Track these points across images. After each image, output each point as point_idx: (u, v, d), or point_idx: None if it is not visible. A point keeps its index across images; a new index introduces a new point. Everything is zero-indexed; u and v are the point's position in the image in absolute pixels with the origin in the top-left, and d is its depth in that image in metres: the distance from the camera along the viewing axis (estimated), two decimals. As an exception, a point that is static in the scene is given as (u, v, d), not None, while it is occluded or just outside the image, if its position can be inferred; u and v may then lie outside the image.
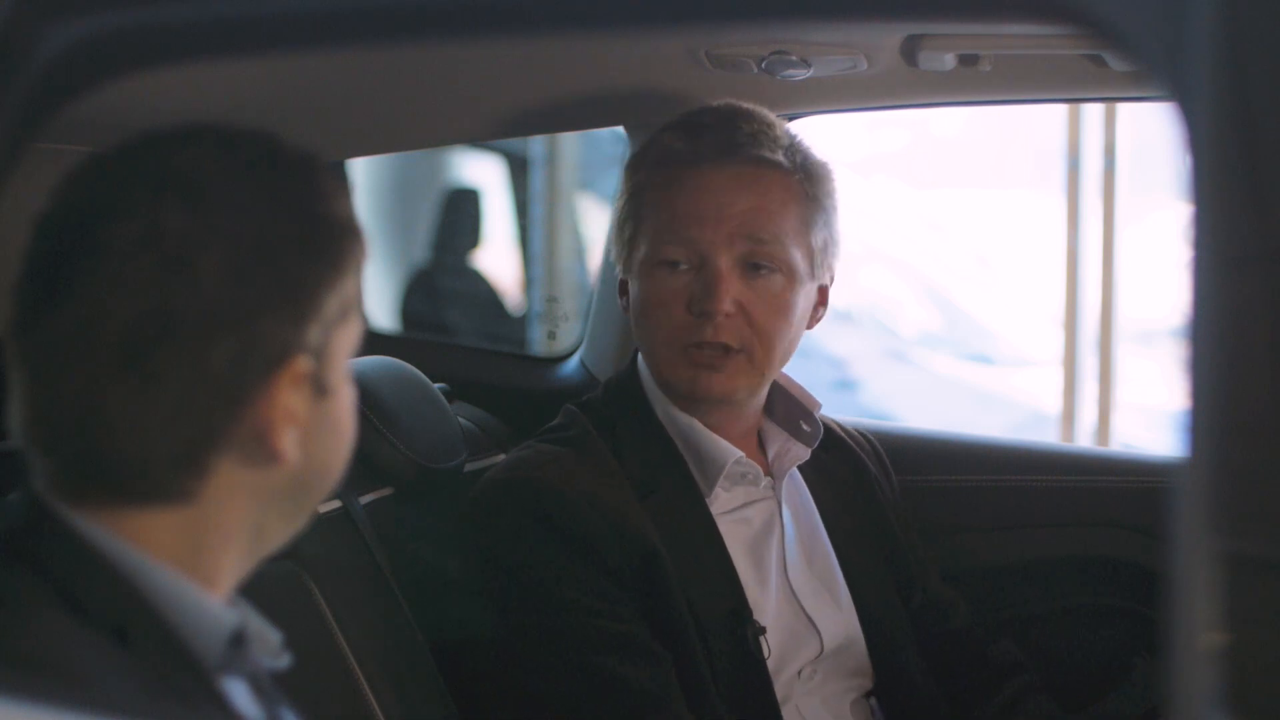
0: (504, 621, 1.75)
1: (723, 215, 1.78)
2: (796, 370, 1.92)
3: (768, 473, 1.90)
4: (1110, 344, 5.81)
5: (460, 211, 6.41)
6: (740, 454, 1.84)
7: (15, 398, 1.04)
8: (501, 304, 6.53)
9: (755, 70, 1.93)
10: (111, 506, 1.04)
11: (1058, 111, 6.20)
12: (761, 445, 1.93)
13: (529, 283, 6.50)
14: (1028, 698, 1.96)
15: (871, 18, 1.53)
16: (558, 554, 1.72)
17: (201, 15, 1.18)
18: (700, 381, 1.81)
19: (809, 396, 1.93)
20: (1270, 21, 0.92)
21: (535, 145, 6.11)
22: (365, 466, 1.86)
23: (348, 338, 1.10)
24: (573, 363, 2.41)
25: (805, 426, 1.92)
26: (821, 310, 1.90)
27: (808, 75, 1.94)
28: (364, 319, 1.13)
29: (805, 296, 1.84)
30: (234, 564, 1.09)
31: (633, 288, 1.86)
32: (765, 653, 1.77)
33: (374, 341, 1.98)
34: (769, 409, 1.93)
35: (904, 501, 2.08)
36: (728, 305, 1.77)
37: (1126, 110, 5.67)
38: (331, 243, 1.07)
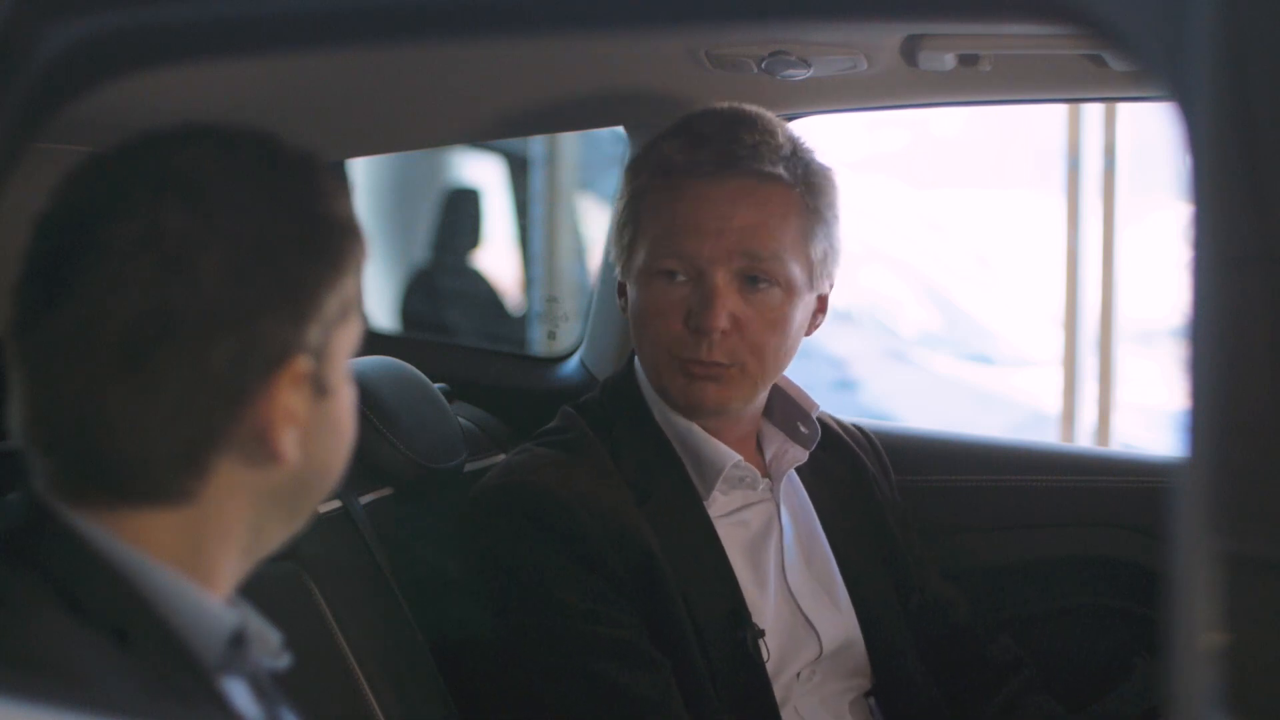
0: (503, 626, 1.74)
1: (721, 230, 1.77)
2: (796, 370, 1.92)
3: (765, 474, 1.90)
4: (1110, 344, 5.81)
5: (460, 211, 6.40)
6: (738, 458, 1.84)
7: (15, 398, 1.04)
8: (501, 304, 6.53)
9: (755, 70, 1.93)
10: (111, 506, 1.04)
11: (1058, 111, 6.19)
12: (759, 446, 1.93)
13: (529, 283, 6.50)
14: (1027, 696, 1.97)
15: (871, 18, 1.53)
16: (556, 559, 1.72)
17: (201, 15, 1.18)
18: (695, 393, 1.81)
19: (807, 398, 1.93)
20: (1270, 21, 0.92)
21: (535, 145, 6.11)
22: (365, 466, 1.86)
23: (348, 338, 1.10)
24: (573, 363, 2.41)
25: (803, 429, 1.92)
26: (820, 317, 1.89)
27: (808, 75, 1.94)
28: (364, 319, 1.13)
29: (803, 308, 1.83)
30: (234, 564, 1.09)
31: (631, 293, 1.86)
32: (764, 655, 1.77)
33: (374, 341, 1.98)
34: (767, 410, 1.93)
35: (903, 500, 2.08)
36: (724, 322, 1.77)
37: (1126, 110, 5.67)
38: (331, 243, 1.07)
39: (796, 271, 1.80)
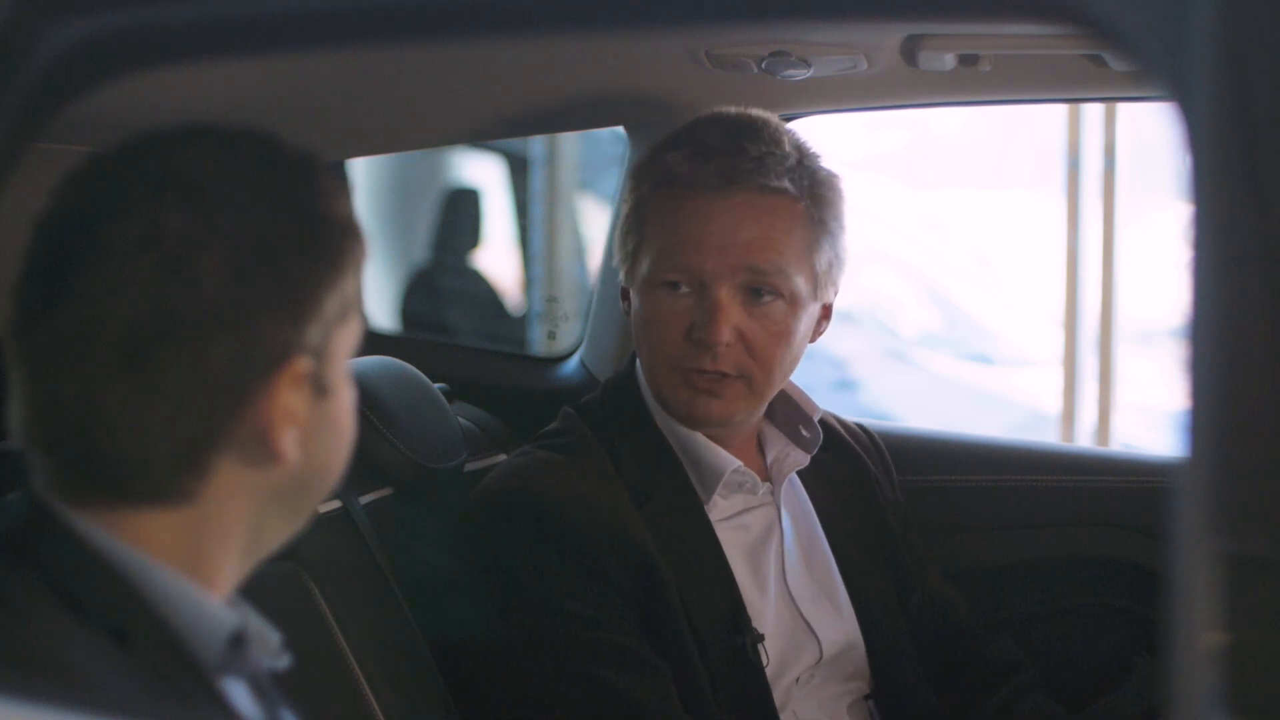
0: (502, 630, 1.74)
1: (725, 245, 1.77)
2: (797, 370, 1.91)
3: (766, 477, 1.90)
4: (1110, 344, 5.80)
5: (460, 211, 6.40)
6: (738, 463, 1.84)
7: (15, 398, 1.04)
8: (501, 304, 6.53)
9: (755, 70, 1.93)
10: (111, 507, 1.04)
11: (1058, 111, 6.19)
12: (760, 448, 1.93)
13: (529, 283, 6.50)
14: (1027, 696, 1.96)
15: (871, 18, 1.53)
16: (555, 565, 1.72)
17: (201, 15, 1.18)
18: (698, 406, 1.80)
19: (809, 402, 1.92)
20: (1270, 21, 0.92)
21: (535, 145, 6.11)
22: (365, 466, 1.86)
23: (348, 337, 1.10)
24: (573, 363, 2.41)
25: (805, 432, 1.92)
26: (825, 324, 1.89)
27: (808, 75, 1.94)
28: (364, 319, 1.13)
29: (807, 318, 1.83)
30: (234, 564, 1.09)
31: (634, 300, 1.85)
32: (764, 660, 1.77)
33: (374, 341, 1.98)
34: (769, 413, 1.93)
35: (904, 500, 2.07)
36: (727, 336, 1.76)
37: (1126, 110, 5.67)
38: (331, 242, 1.07)
39: (800, 283, 1.79)
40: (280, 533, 1.11)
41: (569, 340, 2.49)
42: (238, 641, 1.07)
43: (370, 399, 1.86)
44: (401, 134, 2.36)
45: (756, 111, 1.85)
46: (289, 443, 1.05)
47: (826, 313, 1.88)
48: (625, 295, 1.89)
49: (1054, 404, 6.36)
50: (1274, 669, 0.91)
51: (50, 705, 0.98)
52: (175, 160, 1.03)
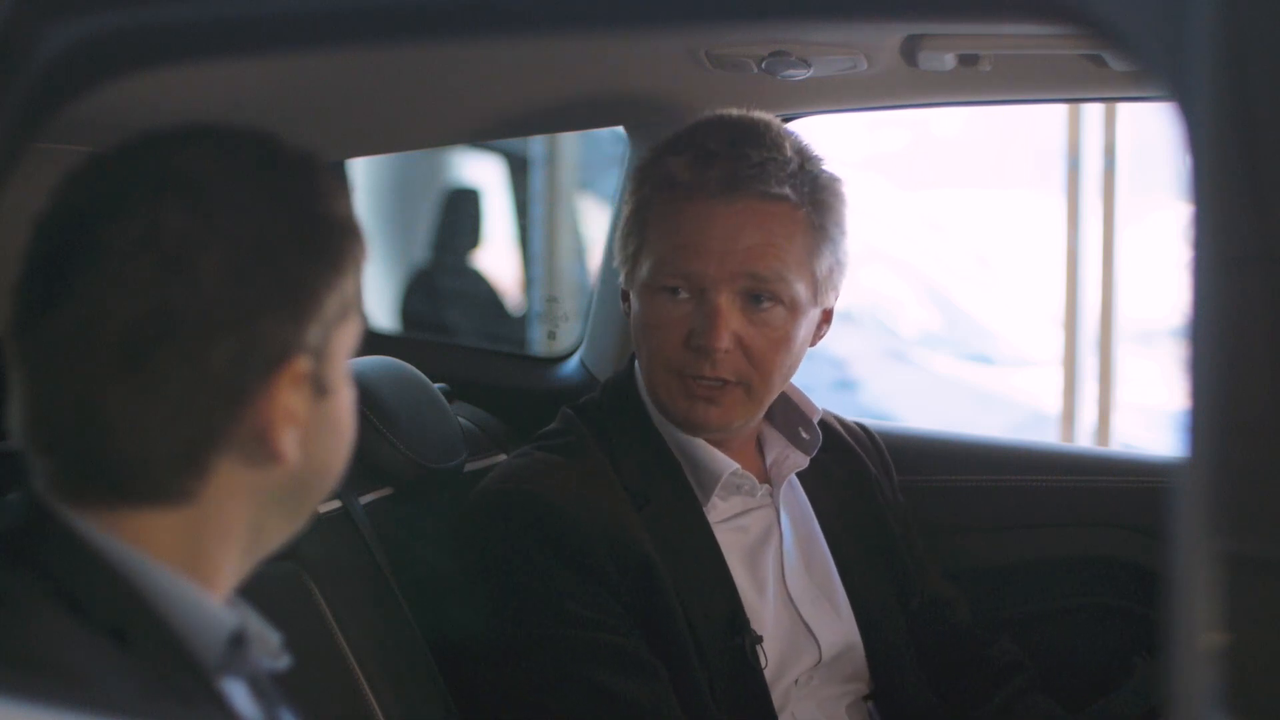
0: (501, 631, 1.74)
1: (726, 251, 1.76)
2: (796, 372, 1.91)
3: (765, 479, 1.90)
4: (1110, 344, 5.80)
5: (460, 211, 6.40)
6: (736, 466, 1.84)
7: (15, 398, 1.04)
8: (501, 304, 6.53)
9: (755, 70, 1.93)
10: (111, 507, 1.04)
11: (1058, 111, 6.19)
12: (760, 450, 1.93)
13: (529, 283, 6.50)
14: (1027, 697, 1.96)
15: (871, 18, 1.53)
16: (553, 567, 1.72)
17: (201, 15, 1.18)
18: (697, 413, 1.80)
19: (809, 403, 1.92)
20: (1270, 21, 0.92)
21: (535, 145, 6.11)
22: (365, 466, 1.86)
23: (347, 337, 1.10)
24: (573, 363, 2.41)
25: (804, 434, 1.91)
26: (825, 328, 1.88)
27: (808, 75, 1.94)
28: (364, 318, 1.13)
29: (807, 324, 1.82)
30: (234, 564, 1.09)
31: (634, 303, 1.85)
32: (762, 662, 1.77)
33: (374, 341, 1.98)
34: (768, 414, 1.93)
35: (904, 500, 2.07)
36: (726, 342, 1.76)
37: (1126, 110, 5.67)
38: (331, 242, 1.07)
39: (801, 290, 1.79)
40: (280, 532, 1.11)
41: (569, 340, 2.49)
42: (237, 642, 1.07)
43: (370, 399, 1.86)
44: (401, 134, 2.36)
45: (758, 115, 1.85)
46: (289, 443, 1.05)
47: (827, 317, 1.88)
48: (625, 297, 1.89)
49: (1054, 404, 6.36)
50: (1274, 669, 0.91)
51: (50, 705, 0.98)
52: (175, 160, 1.04)
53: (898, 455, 2.12)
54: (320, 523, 1.68)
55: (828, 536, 1.92)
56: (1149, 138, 6.04)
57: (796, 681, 1.81)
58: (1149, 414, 6.85)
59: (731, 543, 1.83)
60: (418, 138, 2.59)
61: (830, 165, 1.85)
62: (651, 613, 1.74)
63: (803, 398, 1.92)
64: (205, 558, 1.06)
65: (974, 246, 10.96)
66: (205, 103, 1.54)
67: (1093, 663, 2.15)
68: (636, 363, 1.88)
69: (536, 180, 6.09)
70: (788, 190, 1.78)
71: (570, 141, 5.94)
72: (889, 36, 1.83)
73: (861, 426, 2.10)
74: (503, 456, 2.11)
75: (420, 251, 6.69)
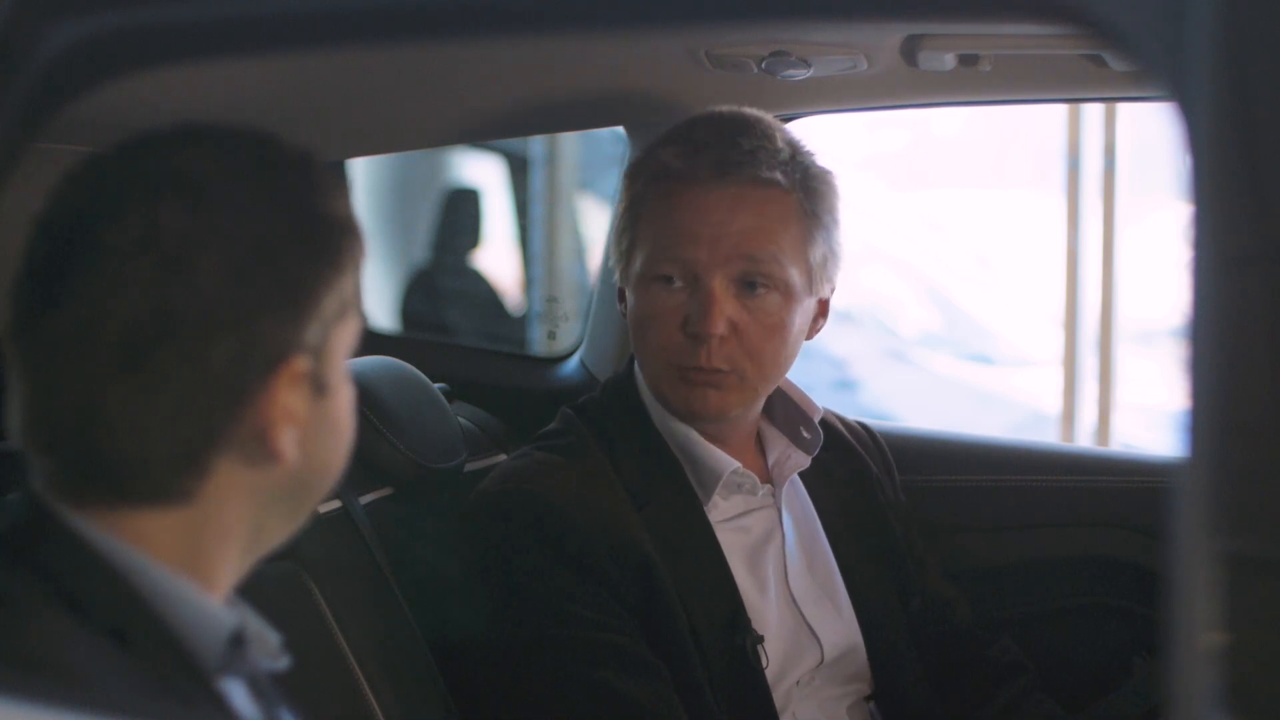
0: (501, 632, 1.74)
1: (719, 235, 1.77)
2: (796, 371, 1.91)
3: (766, 478, 1.90)
4: (1110, 344, 5.81)
5: (460, 211, 6.41)
6: (737, 465, 1.84)
7: (15, 398, 1.04)
8: (501, 304, 6.53)
9: (755, 70, 1.93)
10: (111, 507, 1.04)
11: (1058, 111, 6.19)
12: (761, 448, 1.93)
13: (529, 283, 6.50)
14: (1028, 698, 1.96)
15: (871, 18, 1.53)
16: (554, 567, 1.72)
17: (201, 15, 1.18)
18: (695, 401, 1.80)
19: (810, 403, 1.92)
20: (1270, 21, 0.92)
21: (535, 145, 6.11)
22: (365, 466, 1.86)
23: (346, 337, 1.10)
24: (573, 363, 2.41)
25: (805, 433, 1.91)
26: (821, 321, 1.88)
27: (808, 75, 1.94)
28: (363, 317, 1.13)
29: (803, 312, 1.82)
30: (233, 564, 1.09)
31: (629, 299, 1.85)
32: (764, 662, 1.77)
33: (374, 341, 1.98)
34: (770, 413, 1.93)
35: (907, 503, 2.07)
36: (721, 328, 1.76)
37: (1126, 110, 5.67)
38: (330, 242, 1.07)
39: (795, 276, 1.79)
40: (280, 532, 1.11)
41: (569, 340, 2.49)
42: (237, 642, 1.07)
43: (370, 399, 1.86)
44: (401, 134, 2.36)
45: (749, 110, 1.86)
46: (288, 442, 1.05)
47: (823, 309, 1.88)
48: (622, 297, 1.89)
49: (1054, 404, 6.37)
50: (1274, 669, 0.91)
51: (50, 705, 0.98)
52: (174, 160, 1.04)
53: (898, 455, 2.12)
54: (320, 523, 1.68)
55: (829, 536, 1.92)
56: (1149, 138, 6.04)
57: (798, 682, 1.81)
58: (1149, 414, 6.85)
59: (733, 543, 1.83)
60: (418, 138, 2.59)
61: (821, 160, 1.86)
62: (652, 613, 1.74)
63: (803, 397, 1.92)
64: (205, 557, 1.06)
65: (974, 246, 10.96)
66: (205, 103, 1.54)
67: (1093, 663, 2.15)
68: (636, 363, 1.88)
69: (536, 180, 6.10)
70: (779, 176, 1.79)
71: (570, 141, 5.94)
72: (889, 36, 1.83)
73: (863, 425, 2.10)
74: (503, 456, 2.11)
75: (420, 251, 6.70)
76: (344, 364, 1.11)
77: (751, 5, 1.23)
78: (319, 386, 1.07)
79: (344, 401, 1.11)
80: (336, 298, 1.07)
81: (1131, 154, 5.80)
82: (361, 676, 1.70)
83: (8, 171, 1.18)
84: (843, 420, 2.07)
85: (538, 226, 6.02)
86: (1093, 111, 5.73)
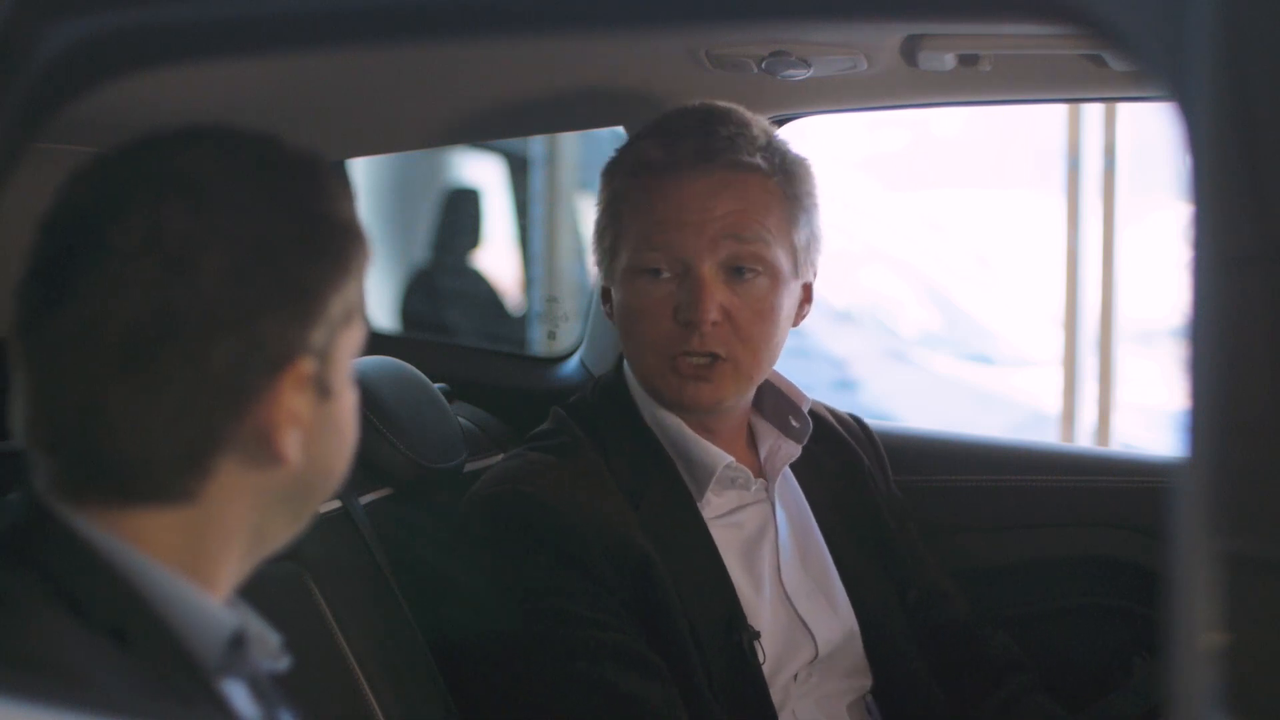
0: (501, 632, 1.74)
1: (704, 221, 1.78)
2: (797, 370, 1.92)
3: (759, 473, 1.90)
4: (1110, 344, 5.81)
5: (460, 211, 6.41)
6: (730, 459, 1.84)
7: (17, 398, 1.04)
8: (501, 304, 6.53)
9: (755, 70, 1.93)
10: (112, 507, 1.04)
11: (1058, 111, 6.20)
12: (752, 442, 1.93)
13: (529, 283, 6.50)
14: (1027, 696, 1.96)
15: (871, 18, 1.53)
16: (551, 567, 1.72)
17: (201, 15, 1.18)
18: (688, 391, 1.80)
19: (797, 392, 1.93)
20: (1270, 21, 0.92)
21: (535, 145, 6.11)
22: (365, 466, 1.86)
23: (351, 341, 1.10)
24: (573, 363, 2.41)
25: (794, 423, 1.92)
26: (807, 307, 1.89)
27: (808, 75, 1.94)
28: (366, 323, 1.13)
29: (790, 296, 1.83)
30: (234, 565, 1.09)
31: (616, 296, 1.85)
32: (760, 658, 1.77)
33: (374, 341, 1.97)
34: (758, 404, 1.93)
35: (901, 495, 2.07)
36: (714, 313, 1.77)
37: (1126, 110, 5.67)
38: (334, 243, 1.07)
39: (781, 257, 1.80)
40: (282, 534, 1.11)
41: (569, 340, 2.49)
42: (237, 642, 1.07)
43: (370, 399, 1.86)
44: (401, 134, 2.36)
45: (721, 102, 1.87)
46: (291, 444, 1.05)
47: (808, 294, 1.88)
48: (606, 297, 1.89)
49: (1054, 404, 6.37)
50: (1274, 669, 0.91)
51: (50, 705, 0.98)
52: (177, 161, 1.04)
53: (898, 455, 2.12)
54: (320, 523, 1.67)
55: (822, 529, 1.92)
56: (1149, 138, 6.04)
57: (795, 677, 1.81)
58: (1149, 414, 6.86)
59: (727, 539, 1.83)
60: (418, 138, 2.59)
61: (797, 149, 1.87)
62: (650, 611, 1.74)
63: (791, 386, 1.93)
64: (206, 558, 1.06)
65: (974, 246, 10.97)
66: (205, 103, 1.54)
67: (1093, 663, 2.15)
68: (625, 361, 1.89)
69: (536, 180, 6.10)
70: (760, 160, 1.80)
71: (570, 141, 5.94)
72: (889, 36, 1.83)
73: (854, 418, 2.11)
74: (502, 456, 2.11)
75: (420, 251, 6.70)
76: (348, 368, 1.11)
77: (751, 5, 1.23)
78: (324, 389, 1.07)
79: (348, 405, 1.11)
80: (342, 301, 1.07)
81: (1131, 154, 5.81)
82: (361, 677, 1.70)
83: (8, 171, 1.18)
84: (834, 413, 2.07)
85: (538, 226, 6.02)
86: (1093, 111, 5.73)
